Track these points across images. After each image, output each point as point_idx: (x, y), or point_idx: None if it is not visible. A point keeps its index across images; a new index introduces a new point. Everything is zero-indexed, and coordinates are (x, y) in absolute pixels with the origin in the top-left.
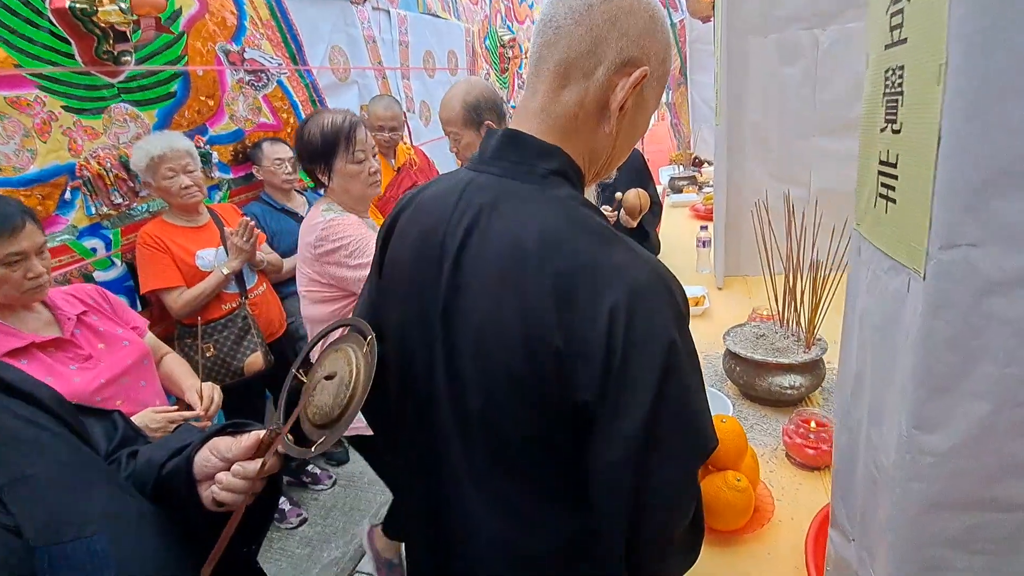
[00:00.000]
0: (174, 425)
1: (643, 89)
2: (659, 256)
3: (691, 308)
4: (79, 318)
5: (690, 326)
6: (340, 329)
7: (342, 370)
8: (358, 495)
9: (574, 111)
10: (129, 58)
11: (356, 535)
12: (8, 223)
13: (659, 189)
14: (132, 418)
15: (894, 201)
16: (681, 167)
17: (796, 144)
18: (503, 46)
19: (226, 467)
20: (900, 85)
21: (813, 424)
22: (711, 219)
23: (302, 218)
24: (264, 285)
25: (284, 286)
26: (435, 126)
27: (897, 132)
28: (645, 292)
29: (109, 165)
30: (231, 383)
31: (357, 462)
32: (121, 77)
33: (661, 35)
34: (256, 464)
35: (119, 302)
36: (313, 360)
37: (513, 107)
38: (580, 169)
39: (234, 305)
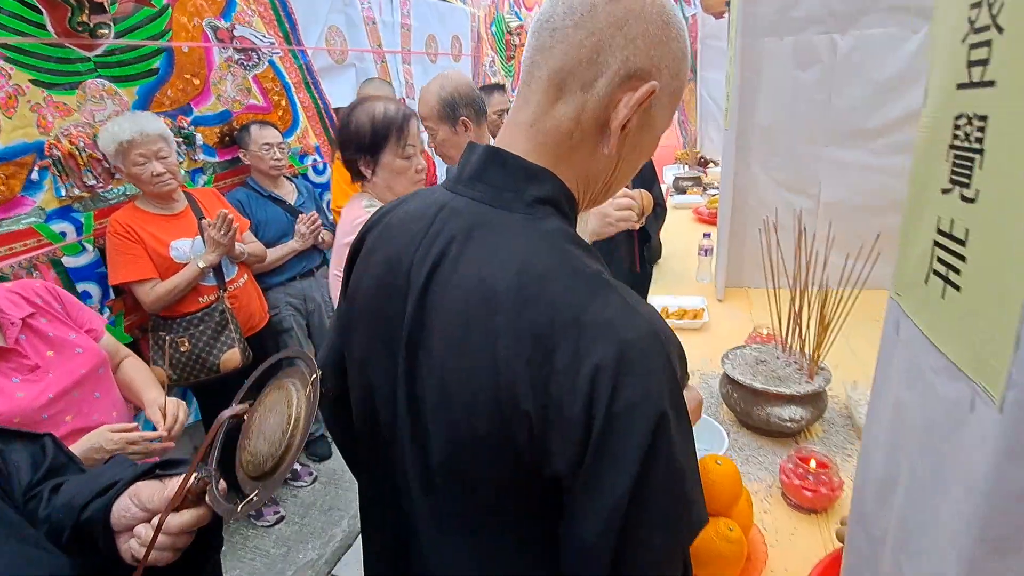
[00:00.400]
0: (133, 447)
1: (651, 107)
2: (660, 261)
3: (689, 321)
4: (25, 322)
5: (688, 342)
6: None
7: (281, 414)
8: (338, 493)
9: (569, 128)
10: (107, 31)
11: (334, 536)
12: None
13: (663, 188)
14: (86, 438)
15: (957, 288)
16: (686, 166)
17: (807, 152)
18: (510, 33)
19: (147, 518)
20: (980, 141)
21: (813, 464)
22: (715, 223)
23: (290, 206)
24: (245, 276)
25: (267, 277)
26: None
27: (970, 201)
28: (636, 353)
29: (82, 144)
30: (206, 380)
31: (339, 458)
32: (98, 51)
33: (676, 45)
34: (180, 518)
35: (72, 301)
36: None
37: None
38: (573, 196)
39: (212, 298)
